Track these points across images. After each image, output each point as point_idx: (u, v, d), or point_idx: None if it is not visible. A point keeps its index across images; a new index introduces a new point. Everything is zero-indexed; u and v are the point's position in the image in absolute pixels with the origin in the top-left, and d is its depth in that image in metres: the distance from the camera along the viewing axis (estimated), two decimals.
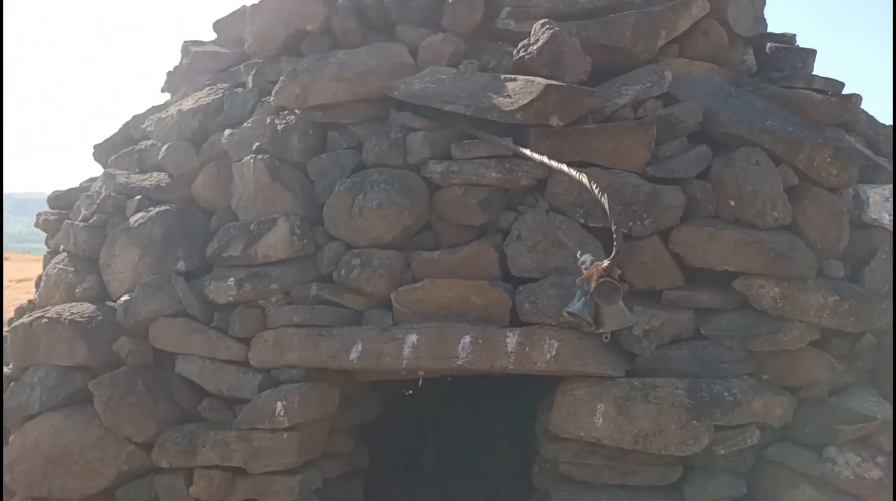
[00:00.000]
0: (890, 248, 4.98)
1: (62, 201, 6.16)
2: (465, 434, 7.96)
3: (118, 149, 6.26)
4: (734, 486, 4.53)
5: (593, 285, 3.88)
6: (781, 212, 4.80)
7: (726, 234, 4.69)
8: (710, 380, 4.47)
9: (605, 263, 3.86)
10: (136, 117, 6.35)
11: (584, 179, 4.06)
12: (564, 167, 4.27)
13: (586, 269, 3.99)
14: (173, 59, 7.60)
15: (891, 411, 4.52)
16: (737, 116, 5.09)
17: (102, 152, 6.42)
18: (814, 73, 6.00)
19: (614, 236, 3.84)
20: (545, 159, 4.44)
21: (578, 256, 4.17)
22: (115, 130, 6.57)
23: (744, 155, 4.86)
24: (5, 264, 8.88)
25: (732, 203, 4.83)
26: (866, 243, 5.10)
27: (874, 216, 5.13)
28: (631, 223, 4.74)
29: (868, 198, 5.16)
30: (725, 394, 4.41)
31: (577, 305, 3.96)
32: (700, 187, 4.86)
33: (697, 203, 4.86)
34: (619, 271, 3.92)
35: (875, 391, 4.72)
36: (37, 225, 6.16)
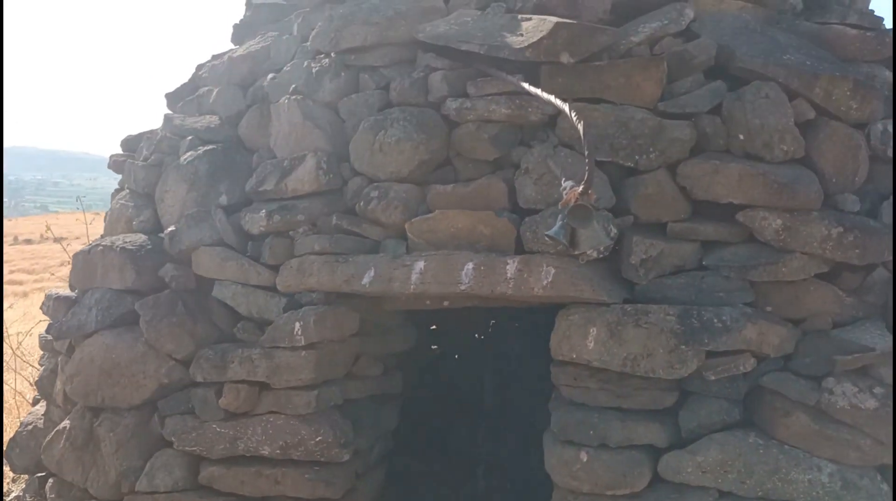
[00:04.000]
0: None
1: (131, 145, 6.67)
2: (523, 373, 8.21)
3: (186, 97, 6.73)
4: (726, 411, 4.61)
5: (567, 210, 4.05)
6: (790, 145, 4.80)
7: (731, 166, 4.74)
8: (703, 307, 4.56)
9: (580, 188, 4.02)
10: (199, 66, 6.81)
11: (566, 107, 4.22)
12: (552, 98, 4.42)
13: (566, 194, 4.16)
14: None
15: (892, 343, 4.51)
16: (754, 51, 5.09)
17: (173, 100, 6.91)
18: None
19: (586, 161, 3.99)
20: (539, 92, 4.60)
21: (563, 182, 4.34)
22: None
23: (754, 89, 4.87)
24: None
25: (741, 137, 4.86)
26: (891, 179, 5.03)
27: None
28: (637, 157, 4.86)
29: None
30: (715, 320, 4.49)
31: (554, 228, 4.14)
32: (710, 122, 4.90)
33: (708, 138, 4.91)
34: (594, 196, 4.07)
35: (883, 324, 4.70)
36: (109, 166, 6.71)
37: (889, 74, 5.38)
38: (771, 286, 4.73)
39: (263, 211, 5.33)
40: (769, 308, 4.74)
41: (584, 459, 4.62)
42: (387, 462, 6.02)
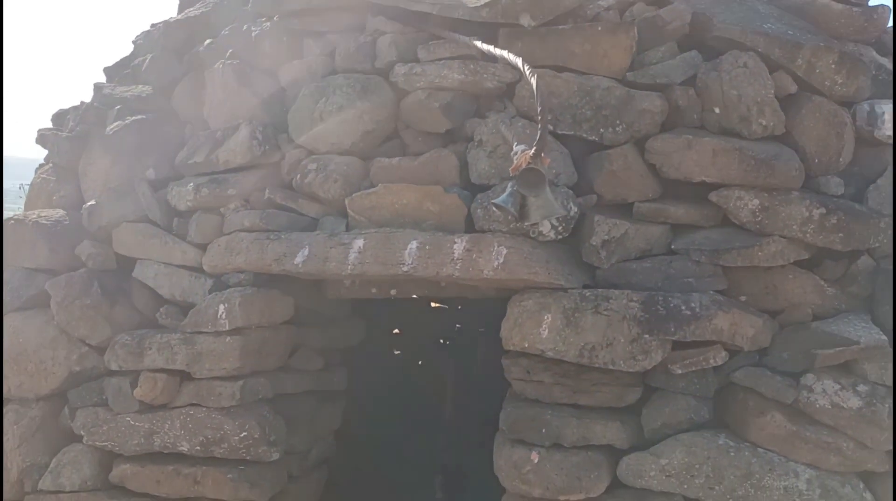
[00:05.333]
0: None
1: (61, 119, 6.13)
2: (488, 379, 7.73)
3: (124, 70, 6.22)
4: (694, 410, 4.15)
5: (518, 174, 3.59)
6: (770, 119, 4.37)
7: (704, 141, 4.30)
8: (669, 293, 4.10)
9: (531, 150, 3.56)
10: (137, 36, 6.30)
11: (518, 62, 3.77)
12: (506, 54, 3.99)
13: (517, 159, 3.69)
14: None
15: (878, 336, 4.06)
16: (731, 18, 4.66)
17: (112, 74, 6.39)
18: None
19: (539, 118, 3.53)
20: (490, 48, 4.16)
21: (514, 147, 3.87)
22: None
23: (732, 58, 4.44)
24: None
25: (717, 111, 4.42)
26: (877, 162, 4.60)
27: (888, 133, 4.61)
28: (602, 130, 4.43)
29: (884, 114, 4.64)
30: (683, 308, 4.03)
31: (502, 196, 3.68)
32: (683, 94, 4.46)
33: (680, 112, 4.48)
34: (548, 160, 3.61)
35: (867, 317, 4.25)
36: (36, 141, 6.18)
37: (875, 55, 4.97)
38: (746, 273, 4.29)
39: (191, 184, 4.84)
40: (743, 298, 4.30)
41: (535, 460, 4.14)
42: (327, 465, 5.51)
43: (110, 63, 6.45)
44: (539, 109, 3.54)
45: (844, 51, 4.55)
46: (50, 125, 6.27)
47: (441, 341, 8.32)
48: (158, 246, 4.83)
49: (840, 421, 3.98)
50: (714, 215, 4.37)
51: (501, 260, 4.16)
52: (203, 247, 4.79)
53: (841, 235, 4.22)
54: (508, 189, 3.70)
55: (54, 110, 6.17)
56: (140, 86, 5.63)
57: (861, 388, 4.02)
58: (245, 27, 5.21)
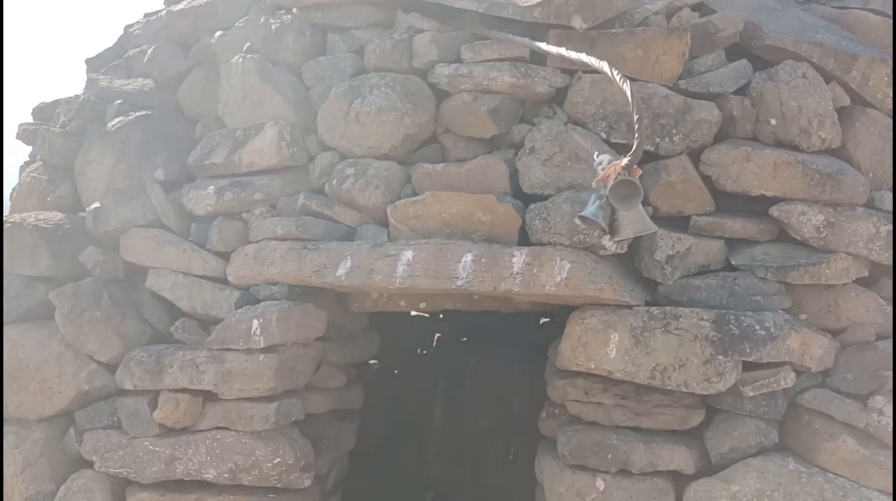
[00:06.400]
0: None
1: (46, 113, 5.67)
2: (476, 392, 7.49)
3: (111, 61, 5.78)
4: (763, 434, 3.99)
5: (610, 186, 3.36)
6: (829, 132, 4.24)
7: (765, 153, 4.14)
8: (741, 312, 3.93)
9: (625, 161, 3.34)
10: (128, 26, 5.87)
11: (605, 67, 3.54)
12: (584, 57, 3.75)
13: (603, 170, 3.46)
14: None
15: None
16: (780, 27, 4.53)
17: (95, 67, 5.94)
18: None
19: (636, 127, 3.31)
20: (563, 51, 3.93)
21: (595, 157, 3.64)
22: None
23: (789, 68, 4.30)
24: None
25: (773, 122, 4.27)
26: None
27: None
28: (658, 139, 4.23)
29: None
30: (757, 327, 3.86)
31: (590, 209, 3.44)
32: (737, 104, 4.30)
33: (734, 122, 4.32)
34: (639, 172, 3.40)
35: None
36: (18, 137, 5.70)
37: None
38: (807, 291, 4.16)
39: (212, 188, 4.48)
40: (804, 316, 4.16)
41: (601, 487, 3.93)
42: (342, 488, 5.19)
43: (92, 55, 6.01)
44: (636, 117, 3.33)
45: None
46: (29, 120, 5.80)
47: (419, 351, 8.05)
48: (175, 254, 4.45)
49: None
50: (771, 229, 4.22)
51: (565, 275, 3.92)
52: (225, 256, 4.44)
53: None
54: (594, 201, 3.47)
55: (22, 104, 5.69)
56: (140, 79, 5.23)
57: None
58: (263, 19, 4.87)
